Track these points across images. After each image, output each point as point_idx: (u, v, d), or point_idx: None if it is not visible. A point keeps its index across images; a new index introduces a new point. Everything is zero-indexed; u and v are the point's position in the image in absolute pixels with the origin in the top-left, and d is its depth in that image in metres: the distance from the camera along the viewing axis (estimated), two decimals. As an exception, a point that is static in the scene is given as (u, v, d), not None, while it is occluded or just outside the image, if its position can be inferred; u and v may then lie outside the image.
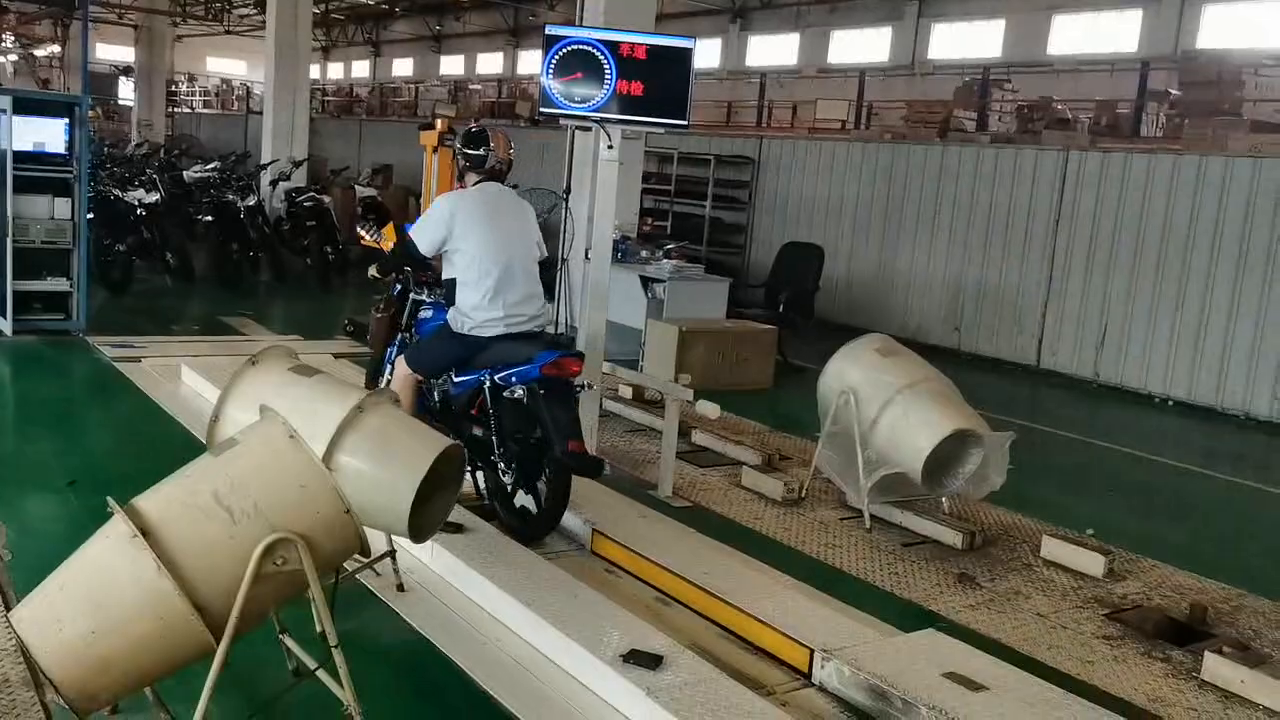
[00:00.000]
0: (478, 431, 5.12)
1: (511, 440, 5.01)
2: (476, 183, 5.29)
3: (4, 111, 8.24)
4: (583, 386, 5.13)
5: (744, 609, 4.31)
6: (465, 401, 5.17)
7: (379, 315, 5.79)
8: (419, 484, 3.63)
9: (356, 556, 3.35)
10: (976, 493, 5.62)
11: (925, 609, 4.70)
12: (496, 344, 5.00)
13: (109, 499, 2.89)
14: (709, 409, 5.58)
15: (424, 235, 5.08)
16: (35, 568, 3.38)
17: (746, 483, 6.17)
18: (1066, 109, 16.06)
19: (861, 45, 26.26)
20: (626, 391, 7.82)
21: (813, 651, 3.98)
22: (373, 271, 5.55)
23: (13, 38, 29.90)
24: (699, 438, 6.99)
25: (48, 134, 8.56)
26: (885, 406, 5.49)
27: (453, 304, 5.12)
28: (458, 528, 4.72)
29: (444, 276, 5.18)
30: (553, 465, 4.88)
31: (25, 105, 8.52)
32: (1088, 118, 16.15)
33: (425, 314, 5.59)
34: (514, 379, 4.89)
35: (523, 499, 5.09)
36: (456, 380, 5.18)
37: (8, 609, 3.62)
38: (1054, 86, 18.58)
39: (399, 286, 5.76)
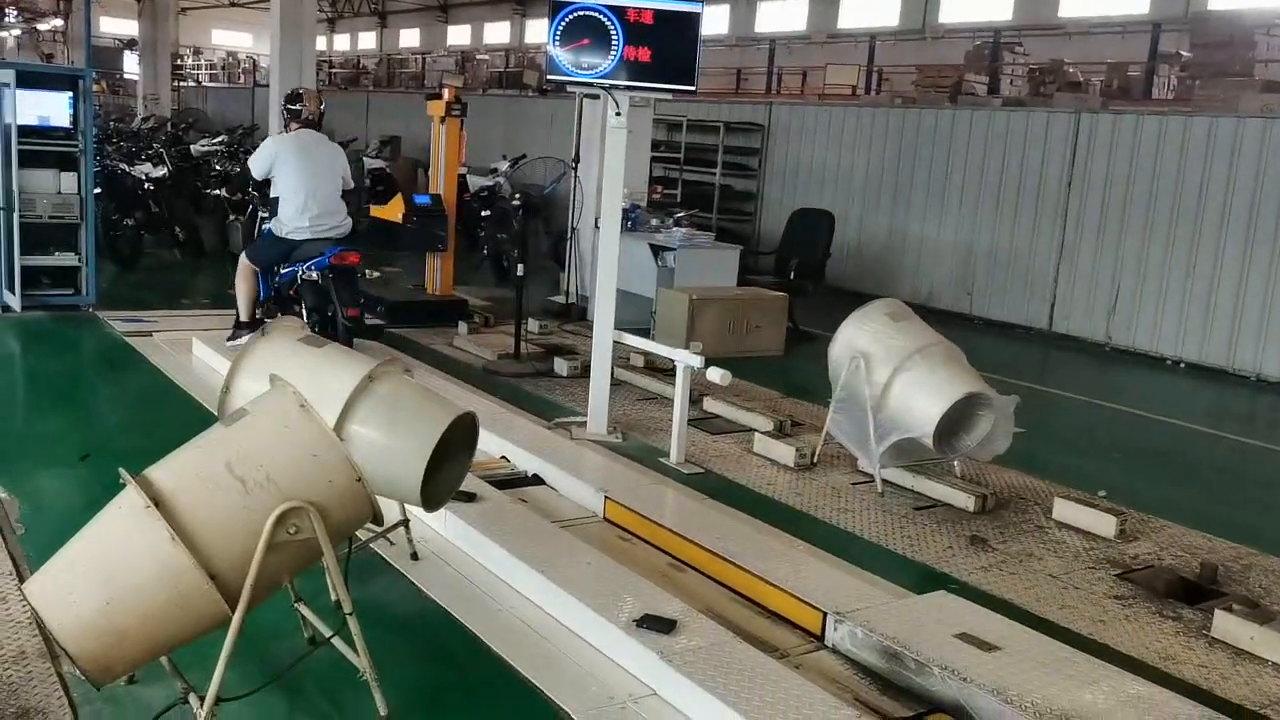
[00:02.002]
0: (296, 307, 7.18)
1: (315, 311, 7.02)
2: (296, 130, 7.33)
3: (7, 85, 8.20)
4: (363, 273, 7.42)
5: (757, 573, 4.31)
6: (287, 286, 7.24)
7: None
8: (431, 452, 3.64)
9: (370, 526, 3.36)
10: (984, 456, 5.62)
11: (937, 571, 4.71)
12: (304, 244, 7.07)
13: (121, 470, 2.90)
14: (719, 376, 5.56)
15: (256, 165, 7.30)
16: (49, 541, 3.41)
17: (758, 449, 6.16)
18: (1078, 72, 15.93)
19: (871, 10, 26.00)
20: (638, 360, 7.81)
21: (825, 614, 3.98)
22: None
23: (15, 11, 29.78)
24: (710, 405, 6.98)
25: (51, 107, 8.53)
26: (896, 371, 5.47)
27: (275, 215, 7.19)
28: (470, 496, 4.73)
29: (270, 195, 7.27)
30: (340, 328, 6.79)
31: (28, 79, 8.48)
32: (1099, 80, 16.01)
33: (265, 226, 7.61)
34: (313, 268, 6.98)
35: None
36: (282, 272, 7.23)
37: (22, 581, 3.65)
38: (1065, 49, 18.44)
39: (250, 206, 8.29)
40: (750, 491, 5.58)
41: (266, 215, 7.52)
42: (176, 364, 7.35)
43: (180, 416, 6.33)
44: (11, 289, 8.28)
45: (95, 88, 10.25)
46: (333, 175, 7.26)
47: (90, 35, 10.70)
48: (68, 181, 8.51)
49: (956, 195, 11.69)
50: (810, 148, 13.49)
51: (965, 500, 5.45)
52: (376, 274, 8.90)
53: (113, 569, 2.81)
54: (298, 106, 7.36)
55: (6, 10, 25.62)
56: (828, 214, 10.32)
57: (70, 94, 8.56)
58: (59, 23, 25.55)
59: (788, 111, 14.31)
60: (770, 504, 5.41)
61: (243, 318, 7.41)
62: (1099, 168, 10.40)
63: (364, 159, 16.30)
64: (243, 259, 7.43)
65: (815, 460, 5.99)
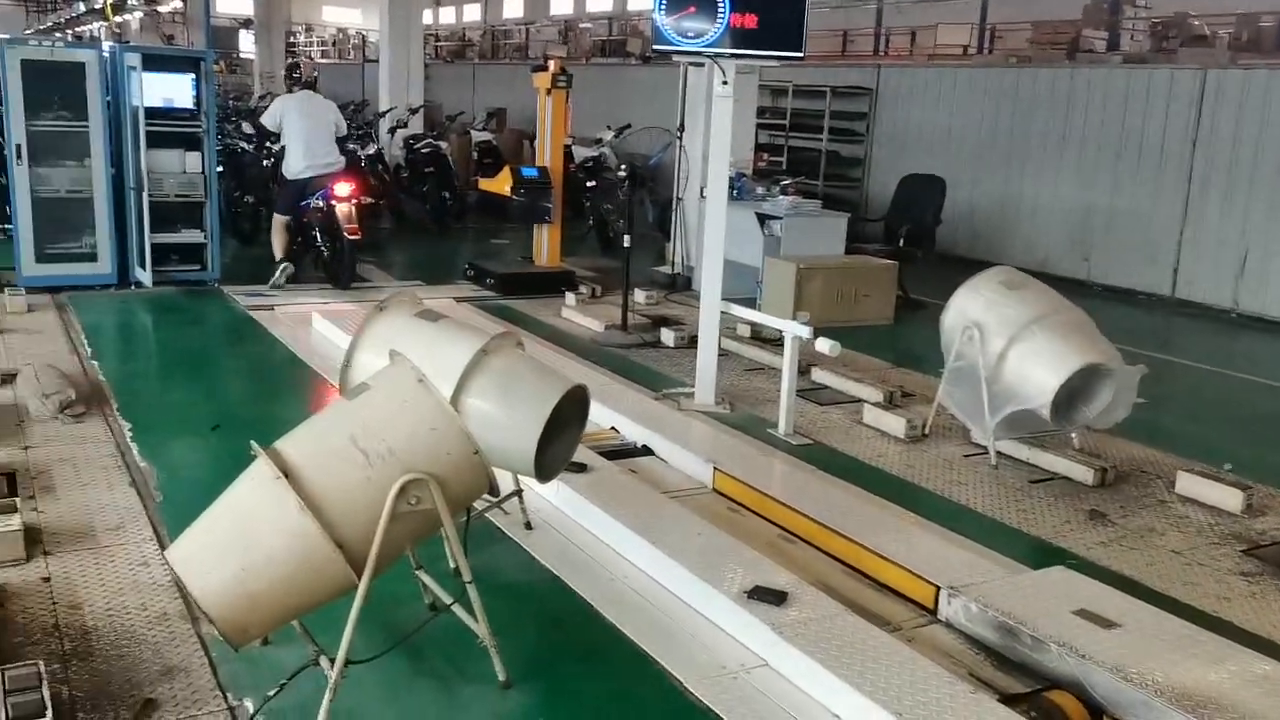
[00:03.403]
0: (314, 232, 9.21)
1: (324, 233, 9.13)
2: (294, 89, 9.37)
3: (134, 69, 8.54)
4: (359, 200, 9.06)
5: (868, 546, 4.29)
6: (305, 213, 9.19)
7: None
8: (544, 425, 3.71)
9: (485, 496, 3.44)
10: (1102, 424, 5.46)
11: (1055, 546, 4.61)
12: (311, 181, 9.00)
13: (252, 443, 3.02)
14: (828, 347, 5.52)
15: (268, 119, 9.31)
16: (185, 508, 3.59)
17: (868, 420, 6.11)
18: (1204, 24, 15.15)
19: (982, -36, 25.13)
20: (744, 330, 7.79)
21: (939, 588, 3.94)
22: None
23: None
24: (818, 375, 6.93)
25: (176, 89, 8.86)
26: (1012, 341, 5.34)
27: (285, 161, 9.15)
28: (581, 467, 4.80)
29: (280, 144, 9.30)
30: (343, 242, 8.90)
31: (154, 62, 8.83)
32: (1227, 33, 15.21)
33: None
34: (318, 198, 8.94)
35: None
36: (299, 206, 9.11)
37: (163, 548, 3.85)
38: (1190, 1, 17.54)
39: (270, 163, 10.14)
40: (860, 463, 5.54)
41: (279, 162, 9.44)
42: (296, 337, 7.60)
43: (301, 387, 6.58)
44: (142, 265, 8.65)
45: (214, 68, 10.59)
46: (327, 125, 9.27)
47: (209, 17, 11.05)
48: (192, 161, 8.84)
49: (1073, 157, 11.30)
50: (920, 110, 13.18)
51: (1084, 473, 5.31)
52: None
53: (247, 537, 2.95)
54: (296, 75, 9.57)
55: (130, -6, 26.66)
56: (938, 179, 10.09)
57: (193, 76, 8.88)
58: (179, 4, 26.41)
59: (897, 74, 13.99)
60: (881, 476, 5.36)
61: (278, 256, 9.18)
62: (1226, 126, 9.92)
63: (471, 132, 16.53)
64: (275, 217, 9.33)
65: (927, 432, 5.90)
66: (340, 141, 9.36)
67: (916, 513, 4.82)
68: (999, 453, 5.56)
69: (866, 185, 13.84)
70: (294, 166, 9.06)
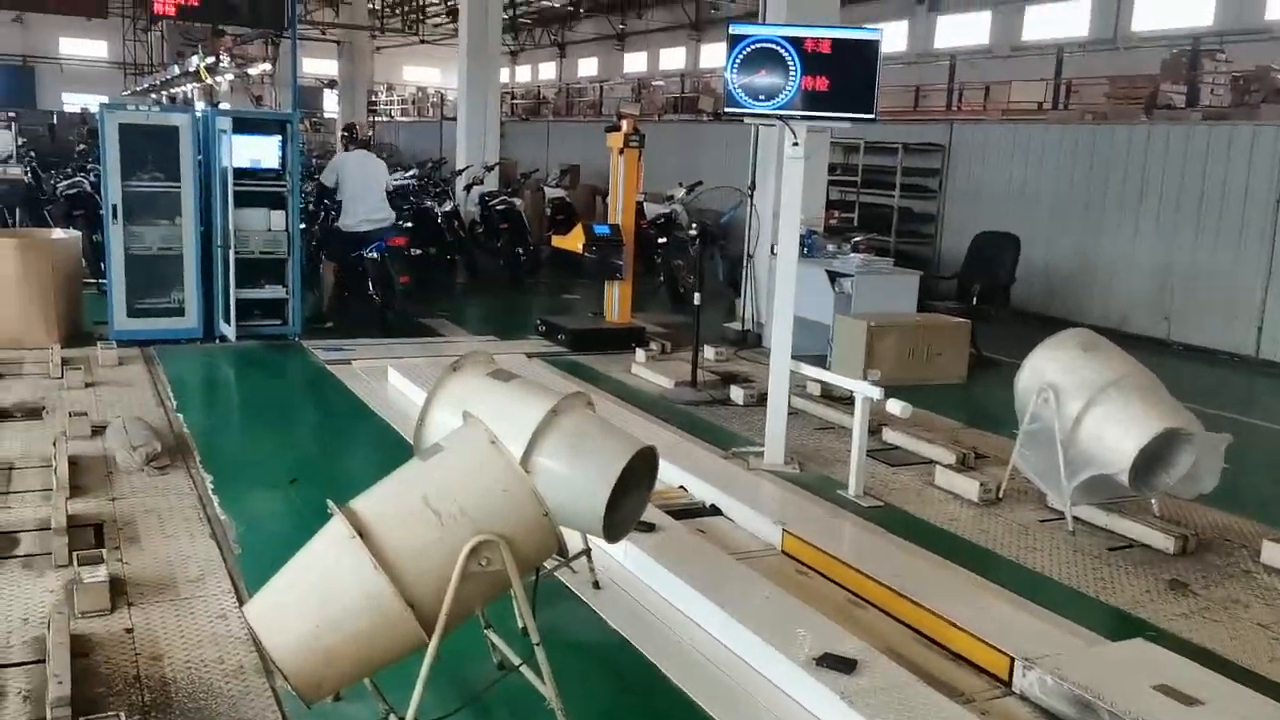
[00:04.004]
0: (369, 280, 9.87)
1: (377, 282, 9.78)
2: (350, 148, 10.39)
3: (225, 132, 8.87)
4: (409, 252, 10.27)
5: (940, 613, 4.22)
6: (355, 264, 9.93)
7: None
8: (613, 485, 3.73)
9: (554, 555, 3.47)
10: (1187, 494, 5.32)
11: (1134, 616, 4.49)
12: (365, 234, 9.77)
13: (329, 501, 3.10)
14: (899, 408, 5.47)
15: (327, 177, 10.16)
16: (263, 561, 3.68)
17: (940, 482, 6.03)
18: (1288, 78, 14.87)
19: (1058, 20, 25.05)
20: (815, 388, 7.76)
21: (1013, 659, 3.86)
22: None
23: (229, 58, 32.10)
24: (889, 435, 6.87)
25: (263, 150, 9.18)
26: (1088, 405, 5.25)
27: (340, 215, 10.01)
28: (650, 527, 4.81)
29: (337, 198, 10.08)
30: (394, 293, 9.73)
31: (243, 124, 9.17)
32: (1313, 86, 14.90)
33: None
34: (374, 250, 9.69)
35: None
36: (353, 256, 9.87)
37: (241, 603, 3.95)
38: (1273, 55, 17.23)
39: (322, 216, 10.88)
40: (932, 527, 5.46)
41: (336, 217, 10.27)
42: (372, 391, 7.76)
43: (376, 442, 6.70)
44: (227, 320, 8.92)
45: (299, 127, 10.96)
46: (379, 182, 10.15)
47: (296, 80, 11.46)
48: (277, 219, 9.13)
49: (1152, 214, 11.13)
50: (994, 167, 13.10)
51: (1164, 541, 5.17)
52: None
53: (323, 594, 3.01)
54: (353, 134, 10.95)
55: (220, 56, 27.71)
56: (1013, 237, 10.00)
57: (279, 137, 9.20)
58: (267, 67, 27.46)
59: (970, 130, 13.94)
60: (953, 540, 5.28)
61: (332, 303, 10.24)
62: (1313, 182, 9.71)
63: (545, 189, 16.82)
64: (325, 264, 10.37)
65: (1001, 495, 5.81)
66: (397, 196, 10.51)
67: (990, 579, 4.74)
68: (1076, 518, 5.44)
69: (939, 242, 13.76)
70: (348, 220, 9.92)
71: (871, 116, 6.13)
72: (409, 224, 12.53)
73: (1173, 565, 5.03)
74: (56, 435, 5.94)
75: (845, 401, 7.35)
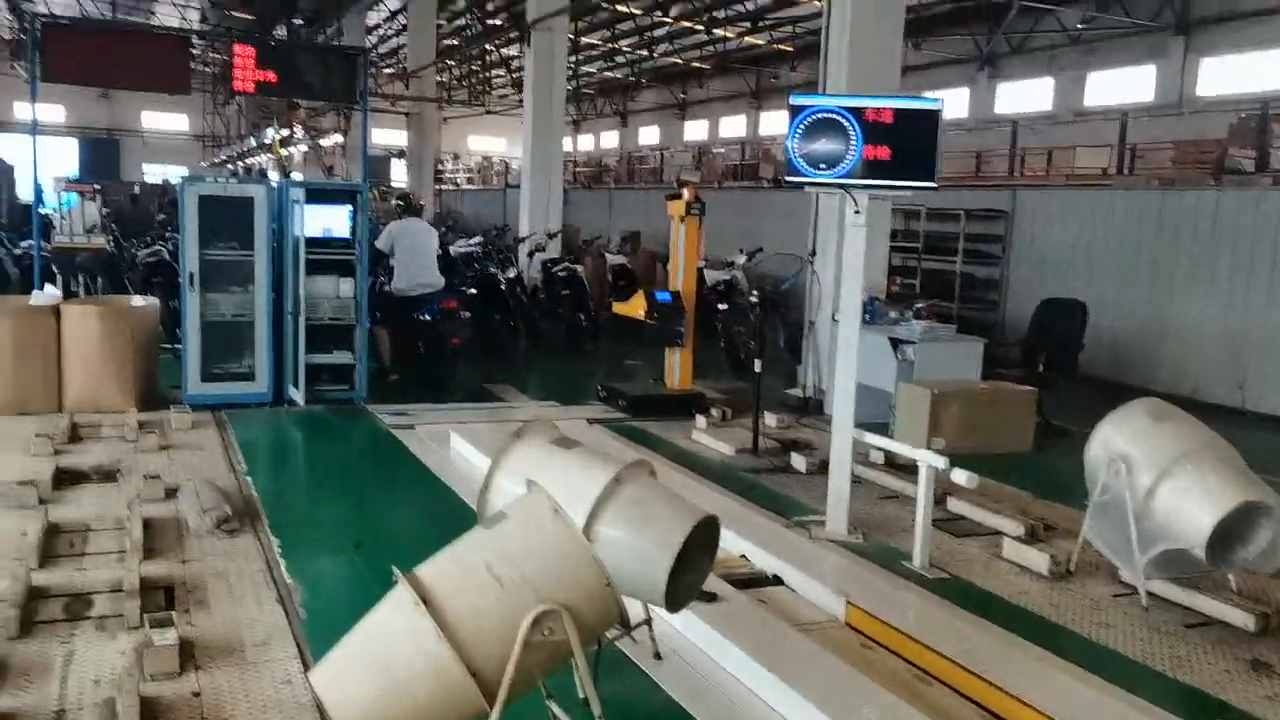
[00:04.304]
0: (419, 343, 10.20)
1: (428, 344, 10.13)
2: (404, 217, 10.67)
3: (298, 202, 9.14)
4: (460, 314, 10.38)
5: (1009, 690, 4.11)
6: (407, 328, 10.25)
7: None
8: (675, 554, 3.72)
9: (615, 625, 3.46)
10: (1267, 569, 5.15)
11: (1213, 698, 4.33)
12: (418, 299, 10.12)
13: (394, 568, 3.13)
14: (965, 478, 5.39)
15: (382, 243, 10.37)
16: (328, 626, 3.71)
17: (1008, 554, 5.91)
18: (1362, 141, 14.63)
19: (1122, 85, 24.95)
20: (877, 456, 7.68)
21: (1087, 741, 3.74)
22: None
23: (301, 130, 33.17)
24: (955, 505, 6.76)
25: (334, 220, 9.43)
26: (1161, 476, 5.13)
27: (393, 280, 10.34)
28: (712, 597, 4.77)
29: (390, 264, 10.43)
30: (447, 355, 10.15)
31: (316, 195, 9.44)
32: (1389, 149, 14.64)
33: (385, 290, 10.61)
34: (426, 313, 10.08)
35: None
36: (404, 320, 10.21)
37: (306, 668, 3.98)
38: (1347, 116, 16.95)
39: (374, 284, 10.55)
40: (1001, 600, 5.34)
41: (386, 281, 10.68)
42: (435, 456, 7.84)
43: (439, 507, 6.75)
44: (296, 384, 9.11)
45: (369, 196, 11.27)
46: (431, 249, 10.54)
47: (367, 151, 11.80)
48: (345, 286, 9.34)
49: (1224, 279, 10.93)
50: (1058, 232, 12.99)
51: (1244, 619, 5.00)
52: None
53: (385, 661, 3.04)
54: (407, 204, 11.20)
55: (294, 129, 28.68)
56: (1079, 303, 9.86)
57: (350, 207, 9.45)
58: (339, 138, 28.30)
59: (1033, 196, 13.86)
60: (1023, 615, 5.16)
61: (386, 364, 10.55)
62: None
63: (606, 255, 17.00)
64: (378, 330, 10.44)
65: (1072, 569, 5.67)
66: (462, 262, 11.18)
67: (1061, 655, 4.61)
68: (1150, 593, 5.29)
69: (1003, 308, 13.62)
70: (401, 284, 10.25)
71: (933, 185, 6.14)
72: (473, 290, 12.76)
73: (1254, 644, 4.85)
74: (131, 498, 6.09)
75: (909, 470, 7.25)
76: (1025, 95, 27.73)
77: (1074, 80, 26.34)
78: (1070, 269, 12.58)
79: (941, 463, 5.51)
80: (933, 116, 6.04)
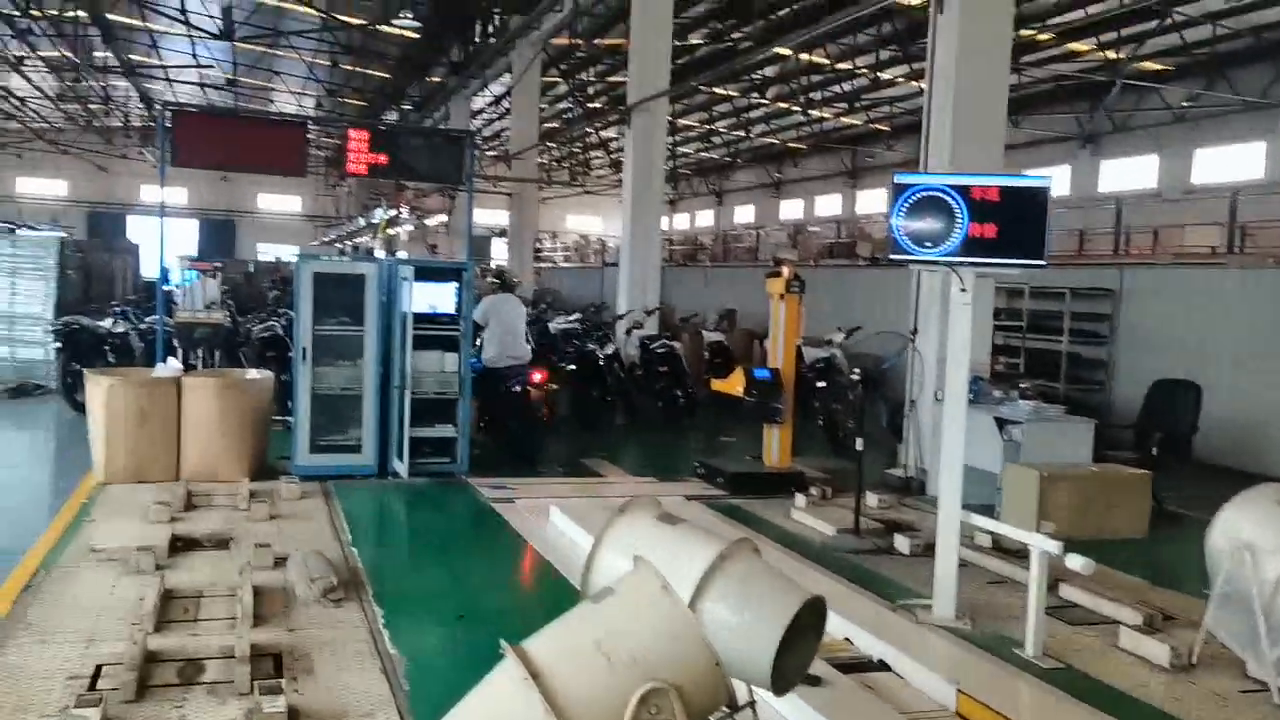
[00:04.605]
0: (508, 413, 10.52)
1: (516, 412, 10.45)
2: (498, 292, 11.11)
3: (407, 279, 9.41)
4: (548, 387, 10.89)
5: (1132, 790, 3.92)
6: (498, 399, 10.54)
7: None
8: (782, 634, 3.66)
9: (721, 707, 3.41)
10: None
11: (1358, 807, 4.06)
12: (506, 370, 10.45)
13: (502, 641, 3.14)
14: (1080, 564, 5.21)
15: (478, 316, 10.49)
16: (430, 699, 3.73)
17: (1125, 644, 5.66)
18: None
19: (1231, 163, 24.39)
20: (983, 539, 7.48)
21: (1220, 847, 3.53)
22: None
23: (407, 210, 34.30)
24: (1067, 591, 6.52)
25: (440, 296, 9.69)
26: (1291, 566, 4.89)
27: (483, 352, 10.64)
28: (816, 680, 4.68)
29: (483, 338, 10.76)
30: (538, 432, 10.56)
31: (423, 273, 9.72)
32: None
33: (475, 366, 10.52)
34: (516, 384, 10.40)
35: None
36: (498, 391, 10.44)
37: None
38: None
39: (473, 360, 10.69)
40: (1119, 693, 5.11)
41: (475, 353, 10.74)
42: (535, 530, 7.88)
43: (538, 581, 6.79)
44: (400, 457, 9.29)
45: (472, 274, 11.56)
46: (520, 323, 11.00)
47: (471, 231, 12.12)
48: (450, 361, 9.55)
49: (1349, 361, 10.47)
50: (1169, 312, 12.63)
51: (1388, 721, 4.70)
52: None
53: (493, 736, 3.03)
54: (501, 281, 11.77)
55: (401, 209, 29.69)
56: (1193, 385, 9.54)
57: (455, 284, 9.69)
58: (443, 217, 29.20)
59: (1141, 274, 13.55)
60: (1143, 709, 4.93)
61: (474, 434, 10.48)
62: None
63: (702, 332, 17.07)
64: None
65: (1194, 661, 5.41)
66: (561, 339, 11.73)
67: (1187, 754, 4.39)
68: (1282, 690, 5.01)
69: (1111, 389, 13.25)
70: (491, 355, 10.61)
71: (1042, 263, 6.06)
72: (572, 365, 12.93)
73: (1400, 749, 4.55)
74: (242, 565, 6.25)
75: (1017, 554, 7.05)
76: (1129, 172, 27.28)
77: (1180, 157, 25.84)
78: (1183, 350, 12.19)
79: (1055, 547, 5.34)
80: (1041, 194, 6.00)
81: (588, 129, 34.63)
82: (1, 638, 5.14)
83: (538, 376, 10.63)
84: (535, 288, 26.84)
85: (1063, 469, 8.26)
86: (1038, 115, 27.94)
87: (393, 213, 27.71)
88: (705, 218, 51.80)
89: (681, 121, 35.20)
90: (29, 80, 33.89)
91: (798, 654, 3.88)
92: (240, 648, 4.85)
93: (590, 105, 31.47)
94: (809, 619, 3.88)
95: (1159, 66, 24.12)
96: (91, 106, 37.60)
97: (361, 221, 36.02)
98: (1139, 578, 7.02)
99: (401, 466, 9.27)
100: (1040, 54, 23.72)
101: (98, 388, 8.73)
